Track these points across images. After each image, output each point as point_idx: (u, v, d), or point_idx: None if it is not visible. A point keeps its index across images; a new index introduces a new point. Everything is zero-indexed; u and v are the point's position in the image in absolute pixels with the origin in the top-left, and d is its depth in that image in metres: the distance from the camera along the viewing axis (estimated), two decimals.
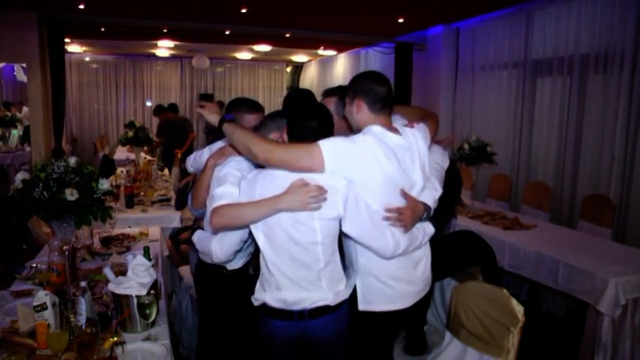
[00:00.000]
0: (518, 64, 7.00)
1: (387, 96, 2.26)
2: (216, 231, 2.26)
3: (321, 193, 2.01)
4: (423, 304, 3.39)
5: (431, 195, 2.35)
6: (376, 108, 2.25)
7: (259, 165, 2.23)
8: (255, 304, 2.24)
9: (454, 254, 3.33)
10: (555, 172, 6.35)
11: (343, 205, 2.08)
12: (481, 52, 7.76)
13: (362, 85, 2.28)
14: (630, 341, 3.49)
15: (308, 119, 2.21)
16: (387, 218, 2.16)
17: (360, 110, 2.26)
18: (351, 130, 2.41)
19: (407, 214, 2.18)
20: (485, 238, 3.68)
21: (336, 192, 2.06)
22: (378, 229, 2.14)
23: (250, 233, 2.24)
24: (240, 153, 2.35)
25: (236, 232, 2.30)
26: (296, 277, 2.13)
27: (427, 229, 2.38)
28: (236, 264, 2.63)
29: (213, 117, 2.42)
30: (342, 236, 2.27)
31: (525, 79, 6.87)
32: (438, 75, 8.52)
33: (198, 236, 2.56)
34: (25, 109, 11.13)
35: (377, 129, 2.21)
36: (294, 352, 2.26)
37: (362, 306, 2.29)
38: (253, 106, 2.76)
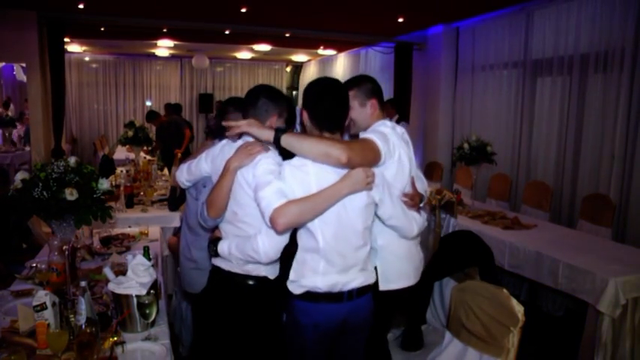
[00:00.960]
0: (518, 64, 7.00)
1: (382, 94, 2.59)
2: (282, 232, 2.12)
3: (374, 174, 2.15)
4: (422, 303, 3.42)
5: (421, 185, 2.58)
6: (381, 106, 2.52)
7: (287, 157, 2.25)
8: (298, 291, 2.21)
9: (452, 254, 3.33)
10: (555, 172, 6.36)
11: (383, 188, 2.24)
12: (481, 51, 7.76)
13: (374, 86, 2.52)
14: (630, 341, 3.48)
15: (336, 106, 2.26)
16: (406, 203, 2.39)
17: (375, 110, 2.49)
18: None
19: (416, 200, 2.44)
20: (485, 238, 3.67)
21: (379, 175, 2.22)
22: (404, 212, 2.36)
23: None
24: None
25: None
26: (347, 261, 2.21)
27: (422, 215, 2.58)
28: (275, 271, 2.40)
29: (264, 133, 2.19)
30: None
31: (525, 78, 6.87)
32: (437, 75, 8.52)
33: (228, 246, 2.31)
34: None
35: (388, 122, 2.45)
36: (337, 334, 2.29)
37: (383, 286, 2.43)
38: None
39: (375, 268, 2.41)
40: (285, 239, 2.18)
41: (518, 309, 2.30)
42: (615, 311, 3.36)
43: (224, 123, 2.31)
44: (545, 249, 3.98)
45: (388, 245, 2.44)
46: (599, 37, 5.70)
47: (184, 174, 2.78)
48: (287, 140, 2.13)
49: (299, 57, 13.55)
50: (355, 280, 2.22)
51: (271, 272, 2.37)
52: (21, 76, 11.31)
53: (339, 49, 11.93)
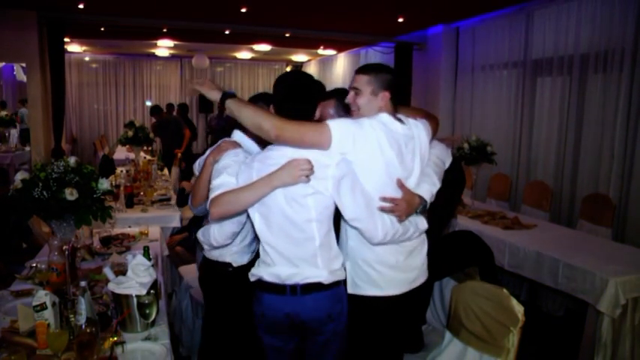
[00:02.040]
0: (518, 64, 7.00)
1: (403, 90, 2.44)
2: (217, 220, 2.27)
3: (311, 166, 2.05)
4: (422, 303, 3.41)
5: (428, 189, 2.33)
6: (395, 101, 2.36)
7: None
8: (252, 279, 2.27)
9: (452, 254, 3.33)
10: (555, 172, 6.36)
11: (334, 182, 2.10)
12: (481, 51, 7.77)
13: (389, 77, 2.33)
14: (630, 341, 3.48)
15: (296, 102, 2.22)
16: (381, 208, 2.17)
17: (385, 102, 2.31)
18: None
19: (402, 205, 2.19)
20: (485, 238, 3.67)
21: (325, 167, 2.10)
22: (369, 213, 2.15)
23: (248, 217, 2.30)
24: (251, 135, 2.40)
25: None
26: (291, 254, 2.17)
27: (420, 224, 2.36)
28: (241, 259, 2.64)
29: (213, 93, 2.24)
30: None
31: (525, 78, 6.87)
32: (437, 74, 8.52)
33: (201, 231, 2.56)
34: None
35: (384, 116, 2.25)
36: (285, 331, 2.26)
37: (351, 289, 2.31)
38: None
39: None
40: (233, 226, 2.38)
41: (518, 309, 2.30)
42: (615, 311, 3.35)
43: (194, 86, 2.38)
44: (545, 249, 3.98)
45: (356, 248, 2.29)
46: (599, 37, 5.70)
47: (197, 166, 2.89)
48: (230, 104, 2.17)
49: (299, 57, 13.56)
50: (299, 274, 2.16)
51: (235, 259, 2.63)
52: (21, 76, 11.31)
53: (339, 49, 11.93)
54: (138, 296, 2.32)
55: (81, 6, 7.02)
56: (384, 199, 2.17)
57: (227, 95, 2.19)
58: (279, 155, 2.13)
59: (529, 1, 6.55)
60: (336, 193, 2.12)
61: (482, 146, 5.10)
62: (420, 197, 2.28)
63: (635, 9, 5.26)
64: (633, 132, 5.36)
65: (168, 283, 4.26)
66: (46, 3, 7.08)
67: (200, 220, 3.07)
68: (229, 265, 2.62)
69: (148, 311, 2.30)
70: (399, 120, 2.31)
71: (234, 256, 2.63)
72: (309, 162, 2.05)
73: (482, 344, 2.40)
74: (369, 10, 7.18)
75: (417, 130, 2.35)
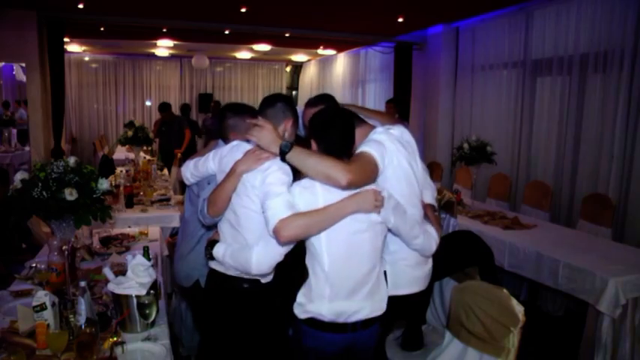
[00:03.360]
0: (517, 64, 7.00)
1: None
2: (285, 243, 2.13)
3: (382, 196, 2.10)
4: (422, 303, 3.41)
5: (431, 194, 2.57)
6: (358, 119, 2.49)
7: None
8: (303, 316, 2.21)
9: (453, 254, 3.33)
10: (555, 172, 6.36)
11: (392, 210, 2.17)
12: (481, 51, 7.77)
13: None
14: (630, 341, 3.48)
15: (340, 134, 2.22)
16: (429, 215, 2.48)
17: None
18: None
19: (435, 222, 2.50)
20: (485, 238, 3.68)
21: (389, 197, 2.15)
22: (421, 229, 2.33)
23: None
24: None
25: None
26: (354, 286, 2.16)
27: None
28: (268, 277, 2.42)
29: (273, 146, 2.16)
30: None
31: (525, 78, 6.87)
32: (437, 74, 8.52)
33: (223, 251, 2.34)
34: None
35: (380, 128, 2.38)
36: (337, 358, 2.27)
37: (392, 291, 2.38)
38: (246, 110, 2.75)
39: (385, 272, 2.38)
40: (279, 256, 2.19)
41: (519, 309, 2.30)
42: (615, 311, 3.36)
43: (251, 121, 2.26)
44: (545, 249, 3.98)
45: (400, 251, 2.41)
46: (599, 37, 5.70)
47: (190, 170, 2.78)
48: (292, 158, 2.12)
49: (299, 57, 13.55)
50: (361, 310, 2.17)
51: (263, 277, 2.38)
52: (20, 76, 11.30)
53: (339, 49, 11.93)
54: (138, 296, 2.32)
55: (81, 6, 7.01)
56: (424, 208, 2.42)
57: (287, 147, 2.13)
58: None
59: (529, 1, 6.55)
60: (395, 221, 2.20)
61: (482, 146, 5.10)
62: (431, 205, 2.55)
63: (634, 9, 5.26)
64: (633, 132, 5.36)
65: (168, 283, 4.25)
66: (46, 3, 7.07)
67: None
68: (246, 280, 2.37)
69: (147, 311, 2.30)
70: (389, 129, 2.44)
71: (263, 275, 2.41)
72: (381, 192, 2.11)
73: (483, 344, 2.40)
74: (369, 9, 7.17)
75: (406, 135, 2.50)
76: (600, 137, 5.71)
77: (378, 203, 2.07)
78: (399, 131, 2.48)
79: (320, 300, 2.16)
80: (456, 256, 3.34)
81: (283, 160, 2.14)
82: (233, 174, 2.31)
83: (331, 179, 2.03)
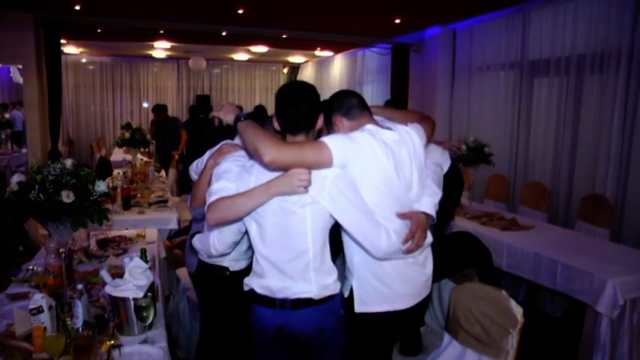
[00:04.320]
0: (515, 65, 7.00)
1: (359, 102, 2.35)
2: (213, 226, 2.24)
3: (309, 176, 2.01)
4: (421, 308, 3.40)
5: (430, 201, 2.29)
6: (354, 114, 2.30)
7: None
8: (245, 289, 2.27)
9: (451, 256, 3.32)
10: (552, 172, 6.36)
11: (332, 193, 2.05)
12: (478, 52, 7.77)
13: (333, 103, 2.36)
14: (628, 341, 3.48)
15: (294, 105, 2.15)
16: (408, 250, 2.14)
17: (342, 125, 2.30)
18: None
19: (418, 234, 2.15)
20: (483, 239, 3.67)
21: (324, 178, 2.05)
22: (371, 224, 2.09)
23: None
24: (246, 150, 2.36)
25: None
26: (283, 266, 2.13)
27: (427, 238, 2.29)
28: (239, 265, 2.63)
29: (229, 117, 2.38)
30: (342, 236, 2.27)
31: (522, 79, 6.87)
32: (435, 76, 8.52)
33: (198, 238, 2.52)
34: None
35: (370, 126, 2.22)
36: (278, 342, 2.23)
37: (358, 307, 2.23)
38: None
39: (352, 287, 2.26)
40: (234, 236, 2.31)
41: (517, 310, 2.29)
42: (614, 312, 3.35)
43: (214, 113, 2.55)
44: (543, 250, 3.98)
45: (365, 263, 2.22)
46: (596, 38, 5.70)
47: (193, 168, 2.91)
48: (239, 127, 2.21)
49: (296, 58, 13.56)
50: (289, 289, 2.12)
51: (232, 265, 2.63)
52: (17, 78, 11.29)
53: (336, 50, 11.93)
54: (135, 299, 2.31)
55: (77, 7, 7.01)
56: (406, 241, 2.13)
57: (239, 119, 2.25)
58: None
59: (526, 2, 6.56)
60: (334, 204, 2.07)
61: (480, 147, 5.10)
62: (426, 214, 2.24)
63: (631, 10, 5.27)
64: (629, 132, 5.37)
65: (166, 285, 4.25)
66: (43, 4, 7.06)
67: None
68: (226, 269, 2.62)
69: (145, 314, 2.29)
70: (386, 128, 2.27)
71: (232, 262, 2.63)
72: (308, 172, 2.01)
73: (482, 346, 2.40)
74: (366, 11, 7.18)
75: (407, 134, 2.29)
76: (597, 138, 5.71)
77: (301, 183, 1.99)
78: (391, 136, 2.26)
79: (256, 275, 2.22)
80: (454, 258, 3.33)
81: (236, 129, 2.25)
82: (205, 168, 2.56)
83: (257, 153, 2.00)
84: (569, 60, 6.09)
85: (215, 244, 2.32)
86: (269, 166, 2.02)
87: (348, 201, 2.07)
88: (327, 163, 2.05)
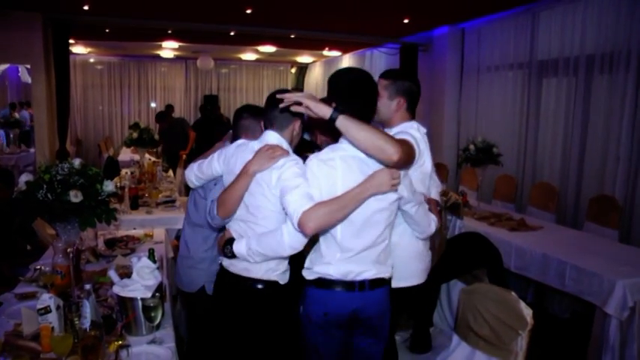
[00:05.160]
0: (523, 65, 6.97)
1: (419, 98, 2.62)
2: (311, 234, 2.09)
3: (399, 174, 2.10)
4: (429, 305, 3.40)
5: (436, 191, 2.65)
6: (412, 108, 2.56)
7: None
8: (311, 277, 2.24)
9: (461, 256, 3.31)
10: (561, 173, 6.33)
11: (406, 186, 2.21)
12: (486, 52, 7.74)
13: (407, 84, 2.56)
14: (638, 343, 3.46)
15: (371, 99, 2.26)
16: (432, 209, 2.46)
17: (400, 108, 2.52)
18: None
19: (437, 214, 2.51)
20: (491, 240, 3.66)
21: (404, 176, 2.19)
22: (427, 212, 2.40)
23: None
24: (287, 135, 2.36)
25: None
26: (361, 253, 2.20)
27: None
28: (285, 277, 2.41)
29: (322, 108, 2.04)
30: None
31: (531, 79, 6.84)
32: (443, 76, 8.50)
33: (246, 244, 2.27)
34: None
35: (415, 125, 2.50)
36: (345, 326, 2.26)
37: (394, 283, 2.39)
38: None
39: None
40: None
41: (527, 312, 2.28)
42: (623, 314, 3.33)
43: (279, 95, 2.16)
44: (551, 251, 3.96)
45: (401, 243, 2.44)
46: (605, 38, 5.67)
47: (194, 172, 2.77)
48: (344, 122, 2.00)
49: (304, 58, 13.55)
50: (368, 271, 2.21)
51: (282, 278, 2.38)
52: (25, 78, 11.35)
53: (345, 50, 11.91)
54: (143, 299, 2.31)
55: (86, 7, 7.03)
56: (429, 201, 2.47)
57: (339, 110, 2.02)
58: (360, 160, 2.15)
59: (535, 2, 6.52)
60: (410, 195, 2.25)
61: (488, 147, 5.08)
62: (436, 200, 2.57)
63: None
64: (639, 133, 5.33)
65: (173, 285, 4.24)
66: (51, 4, 7.08)
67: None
68: (261, 282, 2.34)
69: (153, 314, 2.29)
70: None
71: (281, 275, 2.39)
72: (398, 172, 2.10)
73: (491, 348, 2.39)
74: (375, 11, 7.16)
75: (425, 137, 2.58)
76: (606, 138, 5.68)
77: (394, 182, 2.06)
78: (423, 130, 2.58)
79: (328, 262, 2.21)
80: (463, 258, 3.32)
81: (332, 124, 2.03)
82: (245, 174, 2.28)
83: (384, 152, 1.98)
84: (578, 60, 6.06)
85: (292, 241, 2.13)
86: (393, 164, 2.04)
87: (412, 192, 2.28)
88: (414, 161, 2.27)
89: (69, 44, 8.02)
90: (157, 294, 2.35)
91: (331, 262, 2.19)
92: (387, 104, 2.48)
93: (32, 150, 9.55)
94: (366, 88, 2.22)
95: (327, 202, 2.04)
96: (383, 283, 2.27)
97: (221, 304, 2.51)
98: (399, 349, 2.96)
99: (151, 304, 2.28)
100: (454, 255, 3.17)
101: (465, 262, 3.35)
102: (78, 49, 11.68)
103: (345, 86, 2.20)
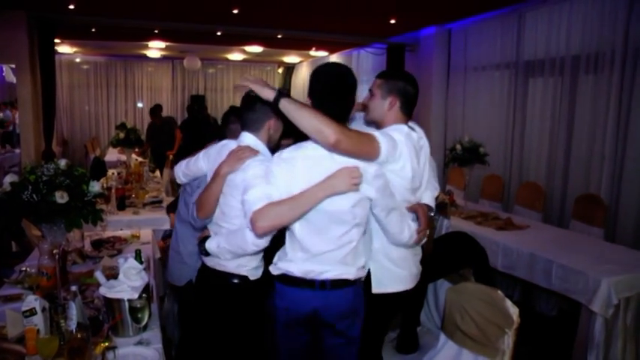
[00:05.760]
0: (510, 65, 7.01)
1: (415, 98, 2.45)
2: (262, 235, 2.14)
3: (360, 173, 2.05)
4: (416, 304, 3.41)
5: (431, 195, 2.50)
6: (406, 108, 2.42)
7: None
8: (275, 272, 2.25)
9: (447, 255, 3.33)
10: (547, 172, 6.37)
11: (374, 187, 2.13)
12: (473, 52, 7.78)
13: (399, 83, 2.43)
14: (622, 340, 3.49)
15: (341, 98, 2.22)
16: (418, 240, 2.35)
17: (392, 107, 2.41)
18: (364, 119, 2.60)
19: (424, 222, 2.36)
20: (478, 239, 3.68)
21: (366, 173, 2.10)
22: (401, 217, 2.26)
23: None
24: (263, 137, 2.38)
25: None
26: (327, 255, 2.18)
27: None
28: (257, 273, 2.51)
29: (265, 91, 2.07)
30: None
31: (517, 79, 6.88)
32: (430, 76, 8.52)
33: (216, 242, 2.39)
34: None
35: (405, 128, 2.34)
36: (308, 324, 2.27)
37: (376, 289, 2.37)
38: None
39: (368, 270, 2.37)
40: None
41: (513, 310, 2.30)
42: (608, 311, 3.37)
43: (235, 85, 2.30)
44: (538, 249, 3.99)
45: (383, 248, 2.37)
46: (590, 38, 5.72)
47: (182, 169, 2.85)
48: (286, 105, 2.03)
49: (291, 58, 13.53)
50: (330, 271, 2.18)
51: (252, 273, 2.48)
52: (10, 77, 11.24)
53: (331, 51, 11.92)
54: (130, 300, 2.30)
55: (71, 6, 6.97)
56: (420, 230, 2.33)
57: (282, 94, 2.06)
58: (322, 157, 2.11)
59: (521, 3, 6.57)
60: (377, 197, 2.16)
61: (475, 147, 5.11)
62: (428, 206, 2.45)
63: (625, 11, 5.28)
64: (623, 132, 5.38)
65: (160, 286, 4.23)
66: (36, 3, 7.02)
67: None
68: (236, 276, 2.46)
69: (140, 315, 2.28)
70: (413, 129, 2.41)
71: (252, 270, 2.49)
72: (359, 170, 2.05)
73: (478, 346, 2.40)
74: (361, 11, 7.17)
75: (424, 140, 2.47)
76: (592, 138, 5.72)
77: (354, 181, 2.02)
78: (417, 135, 2.44)
79: (291, 259, 2.21)
80: (450, 258, 3.34)
81: (276, 107, 2.06)
82: (218, 176, 2.40)
83: (322, 134, 1.97)
84: (563, 60, 6.10)
85: (254, 239, 2.20)
86: (332, 148, 2.01)
87: (386, 195, 2.18)
88: (375, 157, 2.13)
89: (54, 44, 7.95)
90: (143, 295, 2.34)
91: (293, 260, 2.20)
92: (380, 103, 2.42)
93: (17, 150, 9.46)
94: (338, 86, 2.21)
95: (280, 202, 2.07)
96: (347, 283, 2.22)
97: (201, 297, 2.64)
98: (386, 350, 2.97)
99: (138, 305, 2.27)
100: (441, 254, 3.18)
101: (452, 262, 3.37)
102: (64, 48, 11.58)
103: (315, 82, 2.23)
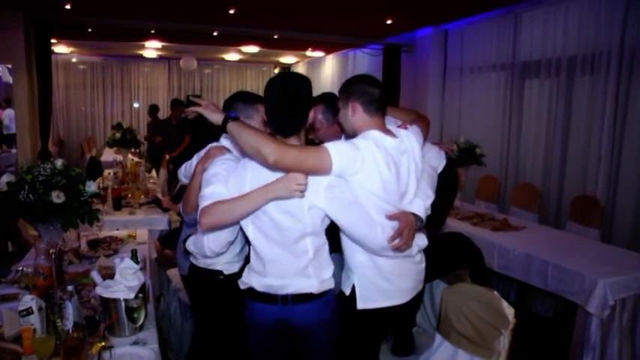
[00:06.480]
0: (506, 66, 7.03)
1: (381, 97, 2.28)
2: (207, 230, 2.20)
3: (306, 181, 2.02)
4: (413, 305, 3.40)
5: (422, 203, 2.32)
6: (371, 109, 2.26)
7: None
8: (242, 287, 2.28)
9: (443, 256, 3.32)
10: (543, 173, 6.39)
11: (325, 198, 2.08)
12: (469, 53, 7.79)
13: (356, 87, 2.30)
14: (618, 341, 3.50)
15: (289, 114, 2.17)
16: (395, 247, 2.18)
17: (355, 112, 2.28)
18: (344, 134, 2.46)
19: (406, 233, 2.18)
20: (474, 240, 3.68)
21: (319, 184, 2.07)
22: (367, 222, 2.14)
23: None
24: (243, 153, 2.33)
25: None
26: (284, 267, 2.17)
27: (420, 242, 2.40)
28: (232, 267, 2.56)
29: (215, 116, 2.18)
30: (340, 236, 2.30)
31: (513, 80, 6.90)
32: (426, 77, 8.54)
33: (192, 240, 2.47)
34: None
35: (376, 134, 2.21)
36: (275, 335, 2.28)
37: (361, 304, 2.28)
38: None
39: (353, 285, 2.30)
40: (228, 235, 2.27)
41: (509, 311, 2.30)
42: (604, 312, 3.37)
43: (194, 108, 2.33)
44: (534, 250, 4.00)
45: (364, 261, 2.27)
46: (586, 39, 5.74)
47: (183, 172, 2.91)
48: (231, 128, 2.10)
49: (287, 59, 13.54)
50: (290, 285, 2.16)
51: (226, 268, 2.54)
52: (6, 77, 11.21)
53: (328, 51, 11.93)
54: (126, 300, 2.30)
55: (68, 7, 6.96)
56: (393, 238, 2.17)
57: (230, 118, 2.12)
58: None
59: (517, 4, 6.58)
60: (330, 207, 2.11)
61: (471, 148, 5.11)
62: (415, 215, 2.26)
63: (621, 12, 5.30)
64: (620, 133, 5.40)
65: (157, 286, 4.22)
66: (33, 3, 7.01)
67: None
68: (220, 272, 2.54)
69: (136, 315, 2.28)
70: (390, 133, 2.28)
71: (226, 265, 2.55)
72: (306, 177, 2.02)
73: (473, 346, 2.40)
74: (358, 12, 7.18)
75: (409, 142, 2.32)
76: (588, 139, 5.74)
77: (299, 187, 2.00)
78: (396, 140, 2.28)
79: (256, 274, 2.23)
80: (446, 258, 3.33)
81: (224, 130, 2.13)
82: (196, 173, 2.50)
83: (260, 155, 1.98)
84: (559, 61, 6.12)
85: (210, 244, 2.27)
86: (272, 167, 2.01)
87: (343, 204, 2.12)
88: (325, 171, 2.06)
89: (51, 44, 7.93)
90: (140, 295, 2.34)
91: (256, 272, 2.23)
92: (344, 114, 2.33)
93: (14, 150, 9.44)
94: (286, 98, 2.16)
95: (224, 200, 2.11)
96: (311, 297, 2.17)
97: (191, 293, 2.85)
98: (381, 352, 2.97)
99: (134, 305, 2.27)
100: (436, 255, 3.18)
101: (448, 262, 3.36)
102: (60, 48, 11.57)
103: (265, 95, 2.22)
